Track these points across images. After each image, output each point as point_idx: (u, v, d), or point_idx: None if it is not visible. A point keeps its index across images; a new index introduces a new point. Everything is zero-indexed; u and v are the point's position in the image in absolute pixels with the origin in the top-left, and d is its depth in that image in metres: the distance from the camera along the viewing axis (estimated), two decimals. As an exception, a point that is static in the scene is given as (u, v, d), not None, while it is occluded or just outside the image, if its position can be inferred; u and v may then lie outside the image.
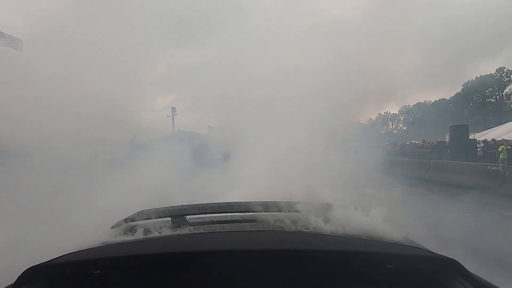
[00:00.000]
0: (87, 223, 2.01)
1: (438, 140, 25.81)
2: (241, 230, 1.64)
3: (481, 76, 54.71)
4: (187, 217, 1.76)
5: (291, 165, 5.40)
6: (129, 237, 1.57)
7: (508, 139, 19.35)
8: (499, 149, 15.90)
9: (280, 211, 1.87)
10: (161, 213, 1.77)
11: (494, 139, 20.99)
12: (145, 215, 1.81)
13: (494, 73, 55.46)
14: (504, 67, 54.47)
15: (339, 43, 7.70)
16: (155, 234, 1.59)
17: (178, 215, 1.73)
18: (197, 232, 1.59)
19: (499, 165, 11.81)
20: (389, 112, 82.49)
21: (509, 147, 15.48)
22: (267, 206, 1.87)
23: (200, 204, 1.89)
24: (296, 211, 1.86)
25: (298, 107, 6.95)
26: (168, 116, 33.00)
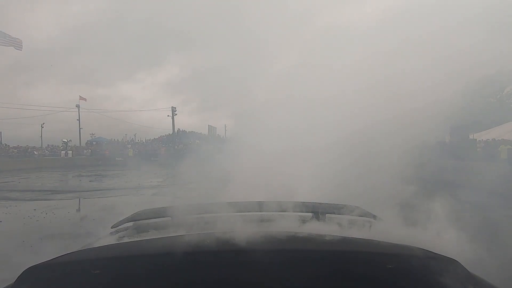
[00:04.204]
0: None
1: (438, 140, 25.64)
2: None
3: (481, 76, 54.63)
4: (187, 217, 1.76)
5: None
6: (129, 237, 1.57)
7: (508, 139, 19.35)
8: (499, 149, 15.90)
9: (280, 211, 1.87)
10: (161, 213, 1.77)
11: (494, 139, 20.99)
12: (145, 215, 1.81)
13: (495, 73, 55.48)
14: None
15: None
16: (155, 234, 1.59)
17: (178, 215, 1.73)
18: (197, 232, 1.59)
19: (499, 165, 11.82)
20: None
21: (509, 147, 15.48)
22: (267, 206, 1.87)
23: (200, 204, 1.89)
24: (297, 211, 1.86)
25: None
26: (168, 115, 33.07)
